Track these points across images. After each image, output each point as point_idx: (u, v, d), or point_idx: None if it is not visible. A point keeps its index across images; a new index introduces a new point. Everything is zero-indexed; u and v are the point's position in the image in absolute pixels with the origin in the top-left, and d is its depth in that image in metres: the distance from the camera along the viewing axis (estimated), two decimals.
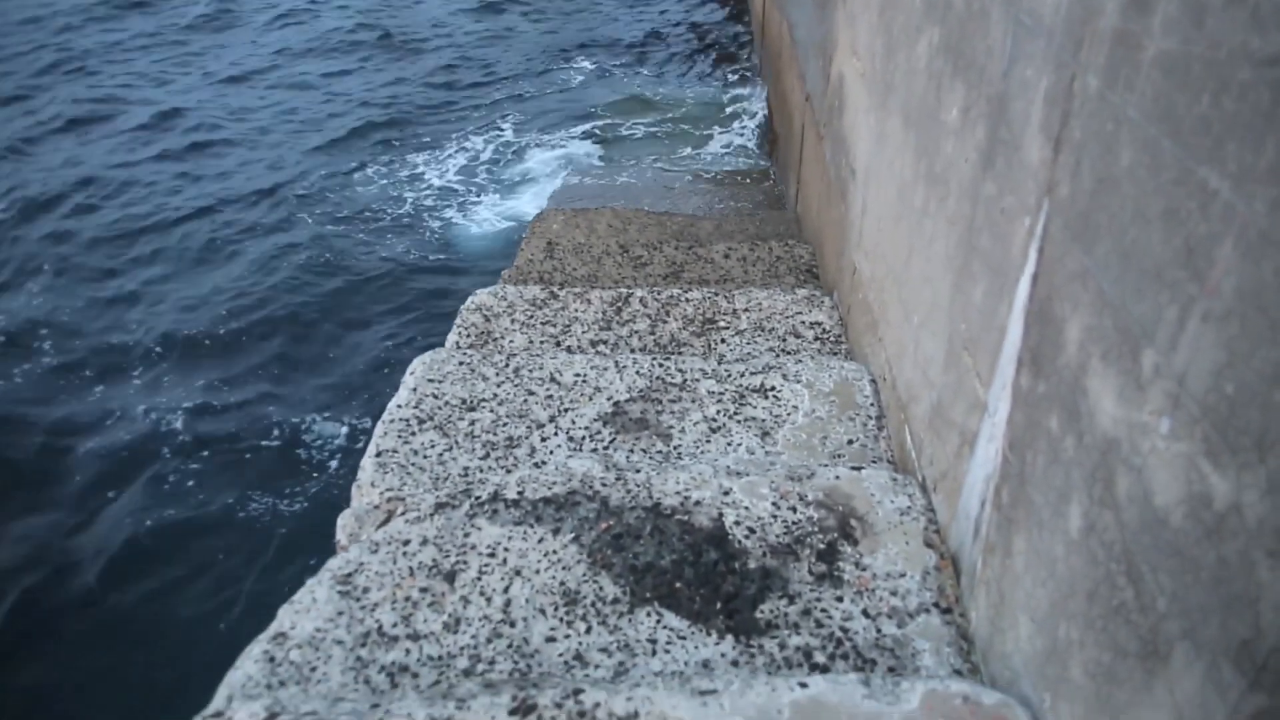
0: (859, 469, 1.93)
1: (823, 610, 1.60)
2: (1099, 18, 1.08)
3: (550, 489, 1.91)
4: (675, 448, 2.19)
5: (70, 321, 6.22)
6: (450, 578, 1.69)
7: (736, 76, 9.68)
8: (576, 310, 2.97)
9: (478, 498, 1.90)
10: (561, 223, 4.29)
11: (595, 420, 2.29)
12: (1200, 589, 0.84)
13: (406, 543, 1.79)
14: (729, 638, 1.56)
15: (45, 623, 4.10)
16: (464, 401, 2.36)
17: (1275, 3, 0.74)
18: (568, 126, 9.00)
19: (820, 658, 1.51)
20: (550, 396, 2.38)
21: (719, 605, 1.62)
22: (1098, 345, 1.06)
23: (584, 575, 1.69)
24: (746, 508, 1.83)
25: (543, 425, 2.28)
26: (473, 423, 2.28)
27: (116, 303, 6.42)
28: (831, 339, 2.82)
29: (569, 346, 2.79)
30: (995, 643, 1.40)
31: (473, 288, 3.13)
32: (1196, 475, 0.85)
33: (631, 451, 2.18)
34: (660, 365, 2.49)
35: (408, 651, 1.54)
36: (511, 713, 1.28)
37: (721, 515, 1.81)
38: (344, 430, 5.17)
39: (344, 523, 2.01)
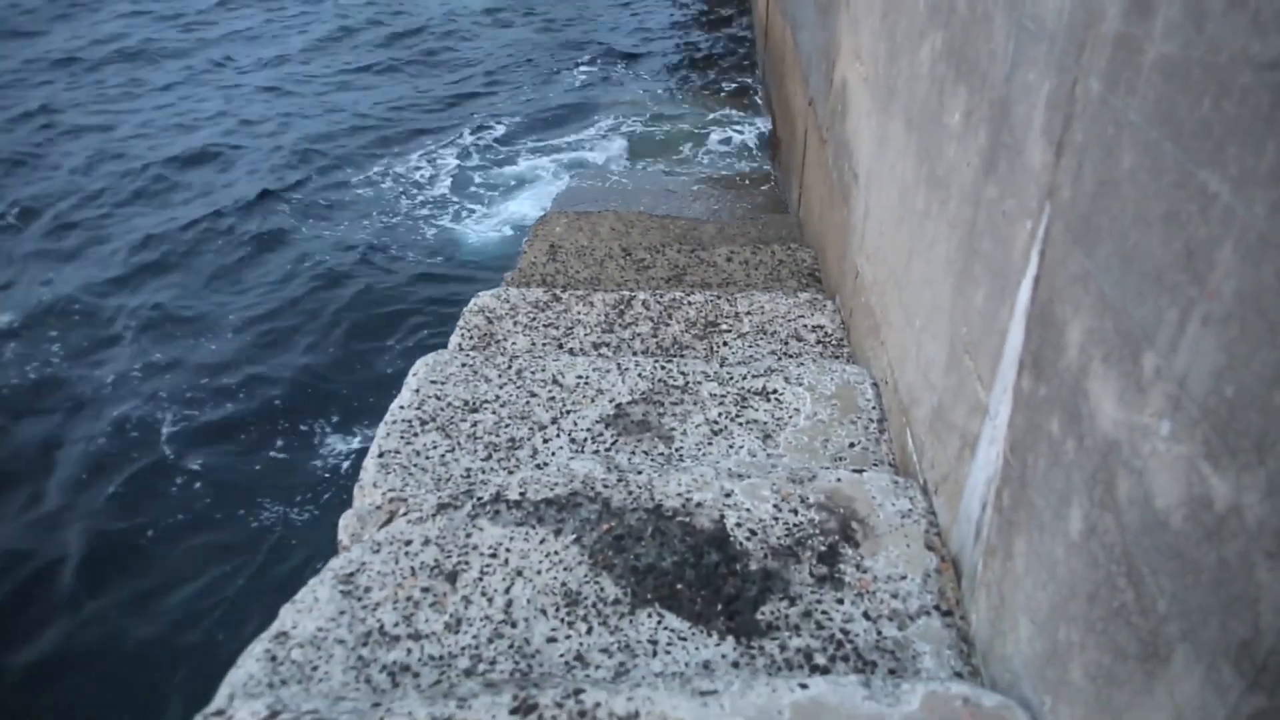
0: (860, 472, 1.93)
1: (823, 612, 1.60)
2: (1101, 22, 1.09)
3: (552, 490, 1.91)
4: (677, 450, 2.19)
5: (71, 327, 6.23)
6: (452, 578, 1.70)
7: (738, 81, 9.70)
8: (579, 313, 2.98)
9: (480, 498, 1.90)
10: (564, 225, 4.29)
11: (597, 422, 2.29)
12: (1200, 590, 0.84)
13: (408, 543, 1.79)
14: (730, 639, 1.56)
15: (51, 621, 4.11)
16: (466, 403, 2.36)
17: (1275, 7, 0.74)
18: (569, 131, 9.01)
19: (821, 659, 1.51)
20: (552, 398, 2.38)
21: (720, 607, 1.63)
22: (1099, 348, 1.07)
23: (585, 576, 1.69)
24: (748, 510, 1.83)
25: (545, 427, 2.28)
26: (475, 424, 2.29)
27: (119, 309, 6.43)
28: (833, 342, 2.82)
29: (571, 349, 2.79)
30: (996, 645, 1.40)
31: (474, 291, 3.14)
32: (1197, 477, 0.85)
33: (633, 453, 2.18)
34: (662, 368, 2.50)
35: (409, 651, 1.55)
36: (512, 712, 1.29)
37: (723, 517, 1.81)
38: (346, 432, 5.18)
39: (346, 523, 2.02)
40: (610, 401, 2.36)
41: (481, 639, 1.57)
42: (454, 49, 11.85)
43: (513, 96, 10.16)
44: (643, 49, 11.39)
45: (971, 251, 1.58)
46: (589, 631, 1.58)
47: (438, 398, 2.38)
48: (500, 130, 9.22)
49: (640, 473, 1.96)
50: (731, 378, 2.44)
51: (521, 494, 1.91)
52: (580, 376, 2.47)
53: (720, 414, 2.30)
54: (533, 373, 2.49)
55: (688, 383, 2.43)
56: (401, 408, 2.34)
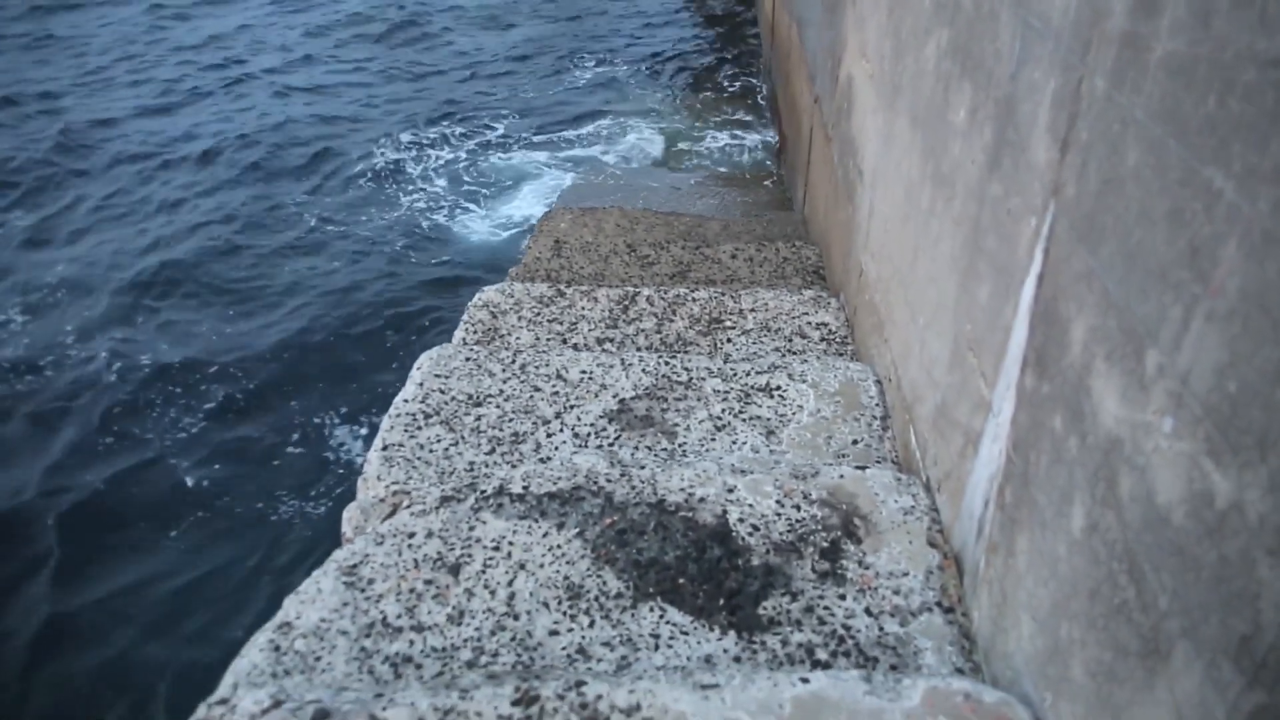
0: (863, 468, 1.94)
1: (825, 608, 1.61)
2: (1107, 20, 1.09)
3: (555, 484, 1.92)
4: (680, 445, 2.20)
5: (82, 326, 6.25)
6: (455, 570, 1.70)
7: (744, 79, 9.69)
8: (583, 308, 2.98)
9: (483, 492, 1.91)
10: (569, 222, 4.30)
11: (601, 417, 2.30)
12: (1201, 587, 0.85)
13: (411, 535, 1.80)
14: (731, 634, 1.57)
15: (55, 610, 4.14)
16: (470, 397, 2.37)
17: None
18: (573, 128, 9.01)
19: (822, 655, 1.52)
20: (556, 393, 2.39)
21: (722, 601, 1.63)
22: (1102, 345, 1.07)
23: (588, 570, 1.70)
24: (750, 505, 1.84)
25: (548, 421, 2.29)
26: (479, 418, 2.29)
27: (127, 309, 6.44)
28: (837, 340, 2.82)
29: (575, 344, 2.80)
30: (997, 642, 1.41)
31: (478, 286, 3.14)
32: (1199, 474, 0.85)
33: (636, 448, 2.18)
34: (666, 364, 2.50)
35: (411, 643, 1.55)
36: (514, 703, 1.29)
37: (725, 512, 1.82)
38: (352, 424, 5.19)
39: (350, 515, 2.02)
40: (614, 397, 2.37)
41: (484, 631, 1.58)
42: (455, 45, 11.84)
43: (517, 94, 10.16)
44: (647, 46, 11.37)
45: (976, 249, 1.58)
46: (591, 625, 1.59)
47: (442, 392, 2.39)
48: (504, 128, 9.22)
49: (643, 468, 1.97)
50: (735, 374, 2.44)
51: (525, 488, 1.91)
52: (584, 371, 2.47)
53: (723, 410, 2.31)
54: (537, 367, 2.49)
55: (691, 379, 2.43)
56: (405, 401, 2.35)
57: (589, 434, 2.24)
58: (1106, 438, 1.05)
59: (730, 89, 9.52)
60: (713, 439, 2.22)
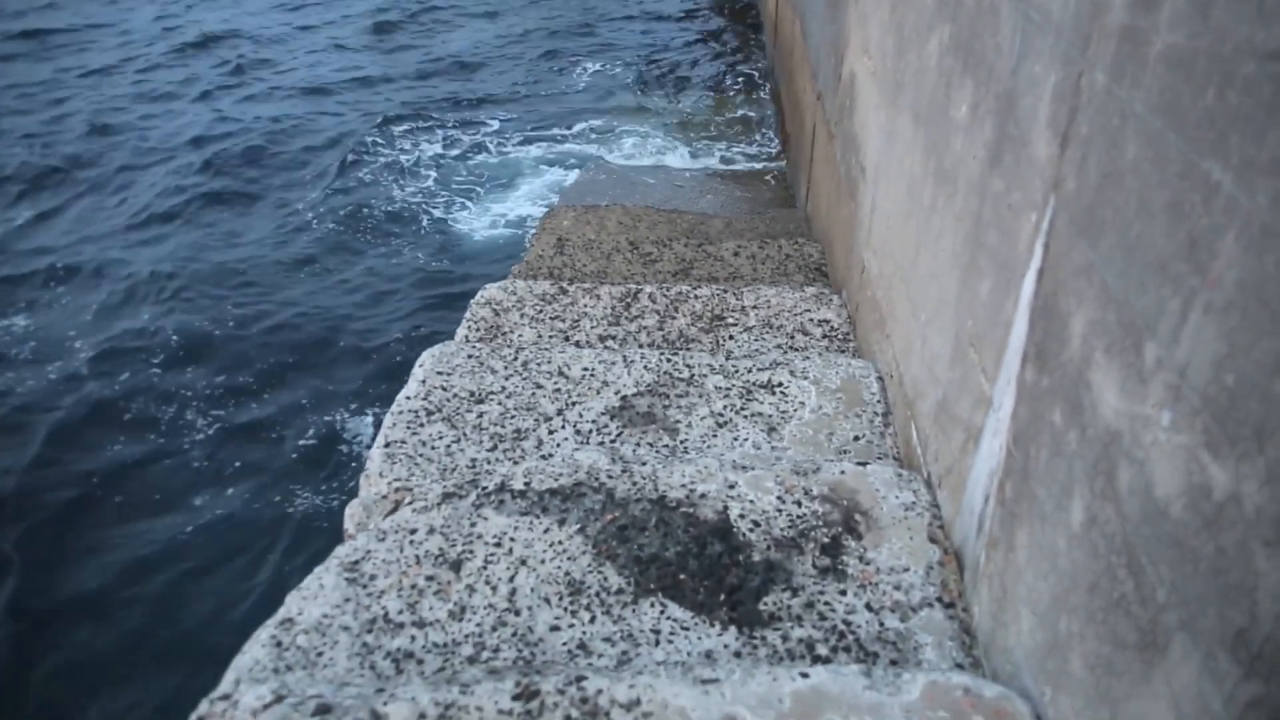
0: (864, 464, 1.94)
1: (826, 603, 1.61)
2: (1107, 14, 1.09)
3: (556, 480, 1.92)
4: (682, 442, 2.20)
5: (89, 320, 6.26)
6: (456, 566, 1.71)
7: (747, 76, 9.68)
8: (586, 305, 2.99)
9: (484, 488, 1.91)
10: (572, 219, 4.30)
11: (602, 414, 2.30)
12: (1199, 579, 0.85)
13: (413, 531, 1.80)
14: (732, 629, 1.57)
15: (59, 602, 4.16)
16: (472, 394, 2.37)
17: None
18: (576, 126, 9.01)
19: (823, 650, 1.52)
20: (558, 390, 2.39)
21: (723, 597, 1.63)
22: (1101, 339, 1.07)
23: (589, 566, 1.70)
24: (751, 501, 1.84)
25: (550, 418, 2.29)
26: (481, 415, 2.29)
27: (127, 306, 6.46)
28: (839, 336, 2.82)
29: (578, 341, 2.80)
30: (997, 637, 1.41)
31: (480, 283, 3.15)
32: (1196, 466, 0.85)
33: (638, 445, 2.19)
34: (668, 360, 2.50)
35: (413, 638, 1.56)
36: (515, 698, 1.30)
37: (726, 508, 1.82)
38: (354, 423, 5.20)
39: (352, 512, 2.03)
40: (616, 394, 2.37)
41: (485, 627, 1.58)
42: (456, 41, 11.83)
43: (518, 91, 10.15)
44: (649, 44, 11.37)
45: (977, 244, 1.58)
46: (592, 620, 1.59)
47: (444, 389, 2.39)
48: (505, 125, 9.23)
49: (644, 464, 1.97)
50: (737, 371, 2.44)
51: (526, 484, 1.92)
52: (586, 369, 2.48)
53: (725, 407, 2.31)
54: (539, 365, 2.50)
55: (693, 375, 2.43)
56: (408, 398, 2.36)
57: (591, 430, 2.25)
58: (1106, 431, 1.05)
59: (733, 86, 9.51)
60: (714, 435, 2.22)
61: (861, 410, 2.28)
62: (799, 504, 1.83)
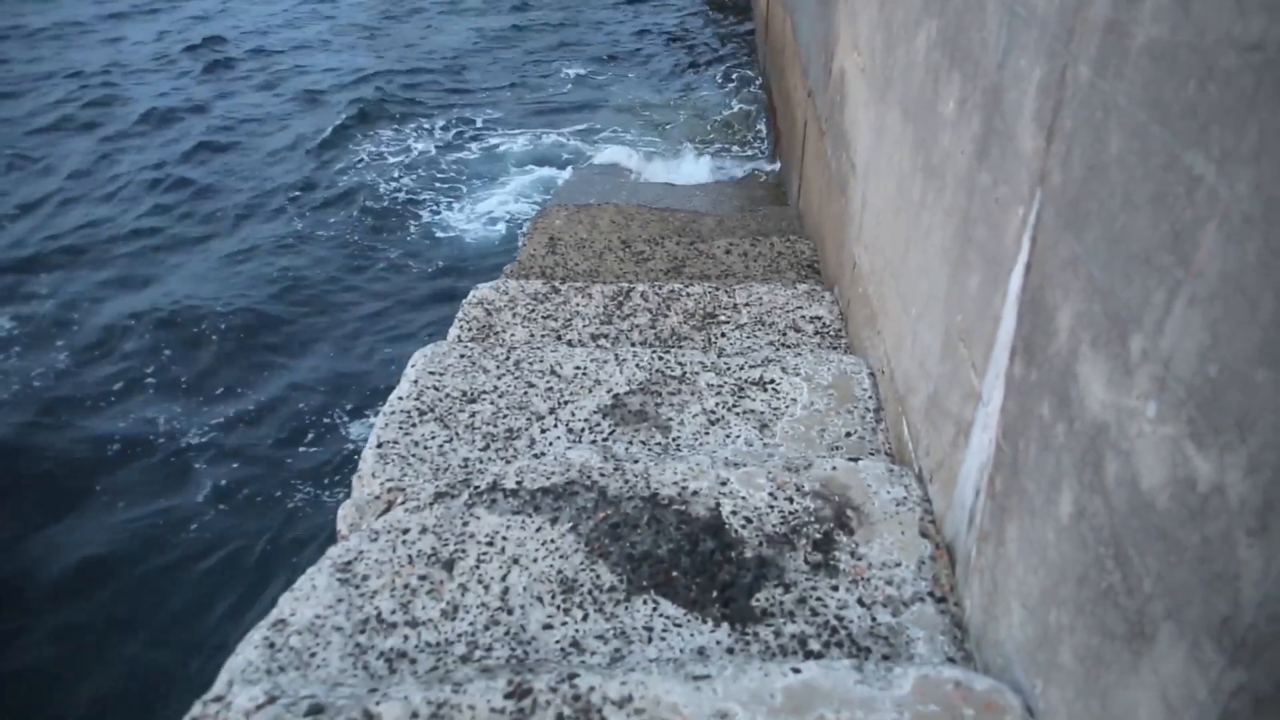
0: (856, 460, 1.94)
1: (818, 599, 1.61)
2: (1090, 7, 1.09)
3: (549, 479, 1.92)
4: (674, 439, 2.20)
5: (81, 321, 6.25)
6: (449, 566, 1.71)
7: (739, 73, 9.67)
8: (578, 304, 2.99)
9: (477, 487, 1.91)
10: (564, 218, 4.30)
11: (595, 412, 2.30)
12: (1184, 569, 0.85)
13: (406, 531, 1.80)
14: (725, 625, 1.57)
15: (55, 603, 4.15)
16: (464, 394, 2.37)
17: None
18: (568, 125, 9.00)
19: (815, 645, 1.52)
20: (550, 389, 2.39)
21: (715, 594, 1.63)
22: (1088, 331, 1.07)
23: (581, 564, 1.70)
24: (743, 498, 1.84)
25: (542, 417, 2.29)
26: (473, 414, 2.29)
27: (125, 303, 6.44)
28: (831, 333, 2.82)
29: (570, 340, 2.80)
30: (989, 630, 1.41)
31: (471, 283, 3.15)
32: (1181, 458, 0.86)
33: (630, 443, 2.19)
34: (660, 358, 2.50)
35: (406, 638, 1.56)
36: (507, 696, 1.30)
37: (718, 505, 1.82)
38: (346, 424, 5.19)
39: (345, 513, 2.03)
40: (608, 392, 2.37)
41: (478, 626, 1.58)
42: (445, 41, 11.80)
43: (507, 90, 10.13)
44: (641, 40, 11.35)
45: (966, 239, 1.58)
46: (585, 618, 1.59)
47: (436, 389, 2.39)
48: (494, 124, 9.21)
49: (637, 461, 1.97)
50: (729, 368, 2.45)
51: (518, 483, 1.92)
52: (578, 367, 2.48)
53: (717, 404, 2.31)
54: (531, 364, 2.50)
55: (685, 373, 2.43)
56: (400, 399, 2.35)
57: (583, 429, 2.25)
58: (1093, 423, 1.05)
59: (725, 84, 9.51)
60: (706, 433, 2.22)
61: (853, 406, 2.28)
62: (791, 500, 1.83)
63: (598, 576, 1.67)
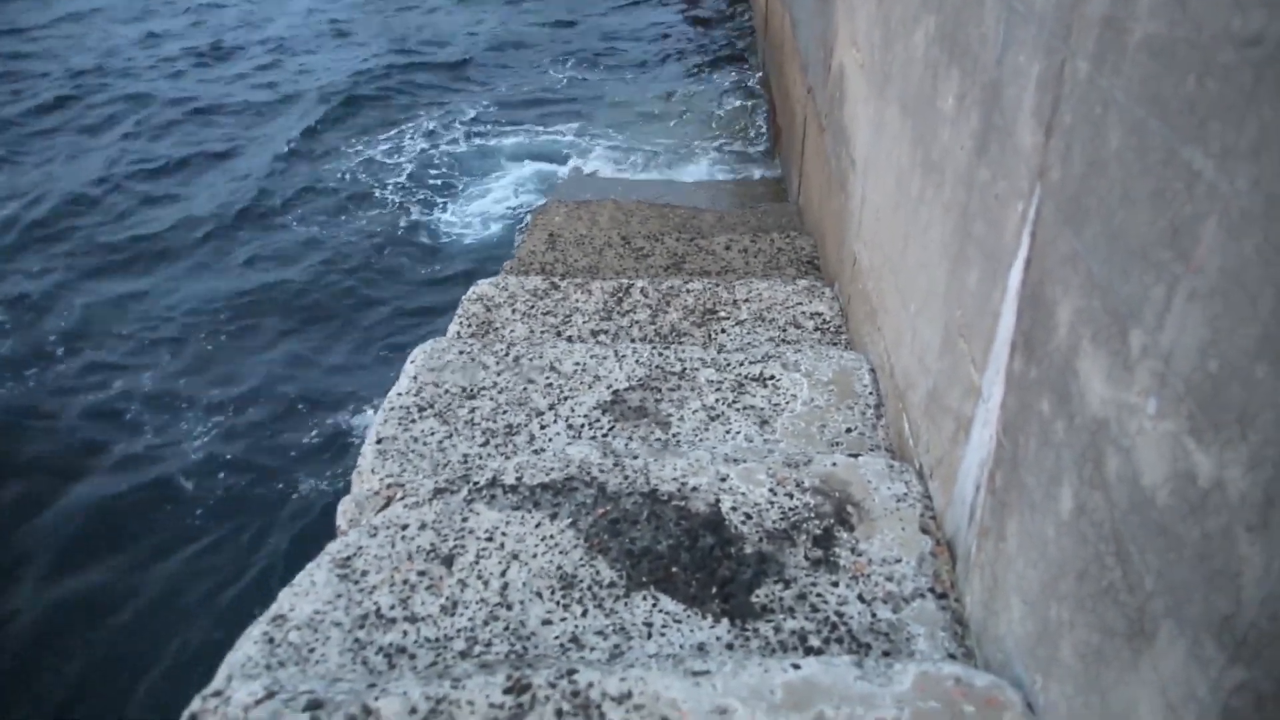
0: (856, 456, 1.94)
1: (818, 595, 1.61)
2: (1087, 3, 1.09)
3: (548, 475, 1.92)
4: (674, 435, 2.20)
5: (79, 319, 6.24)
6: (448, 561, 1.71)
7: (739, 70, 9.65)
8: (577, 300, 2.98)
9: (476, 483, 1.91)
10: (564, 215, 4.29)
11: (594, 408, 2.30)
12: (1185, 566, 0.85)
13: (405, 527, 1.80)
14: (724, 621, 1.57)
15: (57, 598, 4.15)
16: (464, 390, 2.37)
17: None
18: (566, 121, 8.96)
19: (815, 641, 1.52)
20: (550, 385, 2.39)
21: (715, 589, 1.63)
22: (1087, 327, 1.07)
23: (581, 559, 1.70)
24: (743, 494, 1.84)
25: (542, 413, 2.29)
26: (473, 410, 2.29)
27: (122, 303, 6.44)
28: (832, 329, 2.82)
29: (570, 336, 2.80)
30: (989, 626, 1.41)
31: (471, 279, 3.14)
32: (1182, 453, 0.86)
33: (630, 439, 2.19)
34: (660, 354, 2.50)
35: (405, 633, 1.56)
36: (506, 692, 1.30)
37: (718, 501, 1.82)
38: (345, 420, 5.19)
39: (344, 508, 2.03)
40: (608, 388, 2.37)
41: (477, 621, 1.58)
42: (440, 36, 11.74)
43: (502, 85, 10.08)
44: (639, 35, 11.31)
45: (965, 235, 1.58)
46: (584, 614, 1.59)
47: (435, 385, 2.39)
48: (490, 119, 9.15)
49: (636, 457, 1.97)
50: (729, 364, 2.44)
51: (518, 479, 1.92)
52: (578, 363, 2.47)
53: (717, 400, 2.31)
54: (530, 360, 2.50)
55: (685, 369, 2.43)
56: (399, 395, 2.35)
57: (583, 425, 2.25)
58: (1093, 419, 1.05)
59: (724, 80, 9.49)
60: (706, 429, 2.22)
61: (853, 402, 2.28)
62: (791, 496, 1.83)
63: (597, 572, 1.67)
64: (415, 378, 2.42)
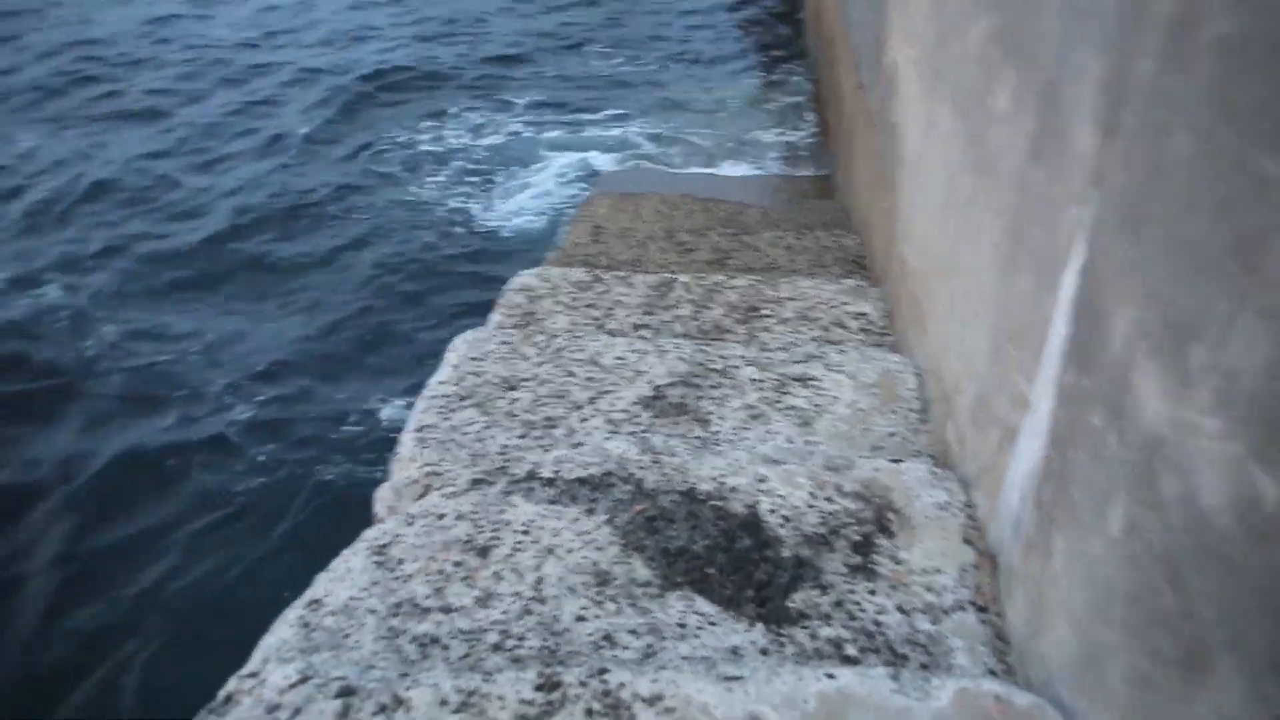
0: (898, 462, 1.91)
1: (856, 603, 1.58)
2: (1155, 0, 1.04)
3: (586, 469, 1.91)
4: (713, 433, 2.18)
5: (131, 307, 6.38)
6: (483, 553, 1.71)
7: (787, 64, 9.53)
8: (620, 294, 2.97)
9: (514, 475, 1.91)
10: (608, 207, 4.28)
11: (634, 403, 2.29)
12: (1246, 596, 0.81)
13: (442, 517, 1.80)
14: (759, 625, 1.55)
15: (94, 577, 4.26)
16: (504, 380, 2.37)
17: None
18: (612, 113, 8.91)
19: (851, 650, 1.50)
20: (590, 378, 2.38)
21: (751, 593, 1.61)
22: (1145, 340, 1.03)
23: (616, 556, 1.69)
24: (782, 496, 1.81)
25: (581, 407, 2.28)
26: (512, 401, 2.29)
27: (171, 292, 6.56)
28: (877, 330, 2.78)
29: (611, 330, 2.79)
30: (1032, 644, 1.37)
31: (512, 270, 3.14)
32: (1245, 477, 0.82)
33: (669, 436, 2.17)
34: (702, 351, 2.48)
35: (439, 624, 1.56)
36: (537, 688, 1.29)
37: (757, 502, 1.80)
38: (385, 408, 5.25)
39: (382, 495, 2.04)
40: (648, 383, 2.36)
41: (511, 615, 1.58)
42: (480, 24, 11.73)
43: (550, 76, 10.04)
44: (687, 29, 11.22)
45: (1017, 239, 1.54)
46: (618, 612, 1.58)
47: (476, 374, 2.39)
48: (535, 110, 9.11)
49: (675, 455, 1.96)
50: (771, 363, 2.42)
51: (555, 472, 1.91)
52: (619, 357, 2.46)
53: (758, 399, 2.28)
54: (571, 352, 2.49)
55: (726, 367, 2.41)
56: (440, 384, 2.36)
57: (622, 420, 2.23)
58: (1148, 436, 1.01)
59: (772, 75, 9.38)
60: (747, 428, 2.19)
61: (897, 406, 2.24)
62: (830, 500, 1.80)
63: (632, 570, 1.66)
64: (456, 367, 2.43)
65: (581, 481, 1.88)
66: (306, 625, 1.56)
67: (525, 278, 3.05)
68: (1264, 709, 0.76)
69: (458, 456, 2.11)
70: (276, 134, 8.90)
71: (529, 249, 6.41)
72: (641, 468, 1.91)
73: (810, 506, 1.79)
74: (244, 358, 5.79)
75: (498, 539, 1.74)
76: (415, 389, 2.39)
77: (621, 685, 1.29)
